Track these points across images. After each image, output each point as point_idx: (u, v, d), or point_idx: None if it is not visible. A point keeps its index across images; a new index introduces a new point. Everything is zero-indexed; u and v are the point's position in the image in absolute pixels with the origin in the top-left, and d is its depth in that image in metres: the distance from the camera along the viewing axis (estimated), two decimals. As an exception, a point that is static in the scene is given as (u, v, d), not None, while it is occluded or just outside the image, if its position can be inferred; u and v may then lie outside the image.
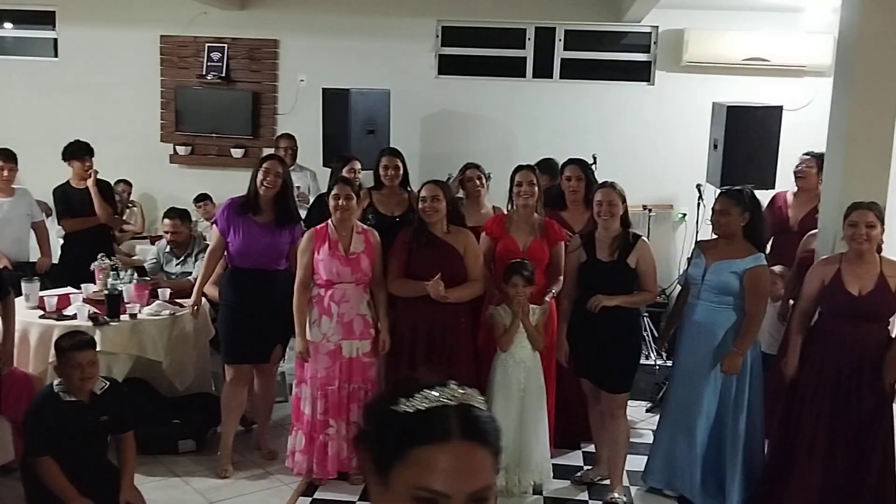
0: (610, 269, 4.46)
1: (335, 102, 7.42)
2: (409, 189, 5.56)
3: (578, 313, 4.56)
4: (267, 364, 4.95)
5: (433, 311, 4.51)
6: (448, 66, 8.43)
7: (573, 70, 8.30)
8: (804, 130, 6.76)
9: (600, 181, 4.79)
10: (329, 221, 4.67)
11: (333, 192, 4.64)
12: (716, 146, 6.47)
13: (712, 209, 4.63)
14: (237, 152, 8.45)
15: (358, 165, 5.81)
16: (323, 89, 7.58)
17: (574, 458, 5.15)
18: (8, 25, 8.98)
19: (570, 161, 5.61)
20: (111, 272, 5.30)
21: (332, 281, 4.56)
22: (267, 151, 8.26)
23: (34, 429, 3.70)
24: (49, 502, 3.60)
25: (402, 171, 5.45)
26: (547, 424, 4.64)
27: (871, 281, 4.12)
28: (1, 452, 4.29)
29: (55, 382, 3.76)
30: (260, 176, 4.74)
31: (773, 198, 6.01)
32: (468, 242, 4.63)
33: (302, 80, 8.40)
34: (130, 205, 7.88)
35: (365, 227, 4.78)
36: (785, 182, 6.19)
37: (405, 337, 4.61)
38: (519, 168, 5.04)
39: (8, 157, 6.08)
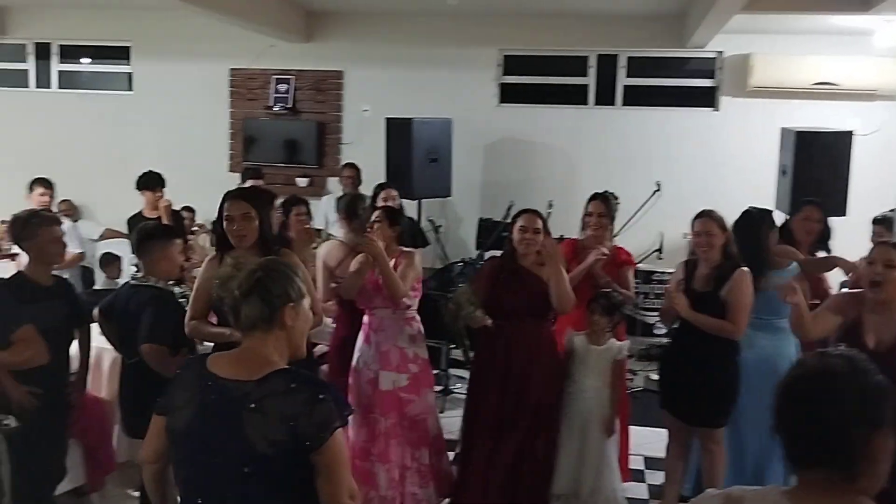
0: (702, 300, 4.21)
1: (398, 132, 7.51)
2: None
3: (675, 345, 4.45)
4: None
5: (512, 339, 4.36)
6: (510, 94, 8.47)
7: (636, 97, 8.26)
8: (875, 155, 6.60)
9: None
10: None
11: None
12: (784, 172, 6.34)
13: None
14: (303, 181, 8.61)
15: (394, 192, 5.81)
16: (386, 119, 7.68)
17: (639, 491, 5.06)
18: (85, 61, 9.36)
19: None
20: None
21: (369, 306, 4.51)
22: (332, 180, 8.45)
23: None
24: None
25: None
26: (615, 457, 4.53)
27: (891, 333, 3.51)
28: (73, 475, 4.39)
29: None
30: (275, 215, 4.51)
31: None
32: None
33: (366, 111, 8.53)
34: (198, 227, 8.04)
35: (404, 250, 4.54)
36: (856, 208, 6.03)
37: (487, 365, 4.46)
38: (593, 197, 4.98)
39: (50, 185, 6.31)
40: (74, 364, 4.14)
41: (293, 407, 2.05)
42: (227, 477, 2.09)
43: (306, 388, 2.09)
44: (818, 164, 6.06)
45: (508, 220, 5.03)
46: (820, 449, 1.62)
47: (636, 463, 5.22)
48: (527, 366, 4.34)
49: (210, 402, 2.13)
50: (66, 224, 6.19)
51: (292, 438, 2.03)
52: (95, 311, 4.23)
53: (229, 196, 3.88)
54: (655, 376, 5.77)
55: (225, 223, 3.78)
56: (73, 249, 6.11)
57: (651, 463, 5.26)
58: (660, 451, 4.80)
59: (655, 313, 7.26)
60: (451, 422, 5.10)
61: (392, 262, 4.36)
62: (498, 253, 4.91)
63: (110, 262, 6.61)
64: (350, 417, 4.43)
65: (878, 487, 1.62)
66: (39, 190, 6.11)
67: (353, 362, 4.57)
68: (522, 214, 4.44)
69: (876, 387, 1.61)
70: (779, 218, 6.36)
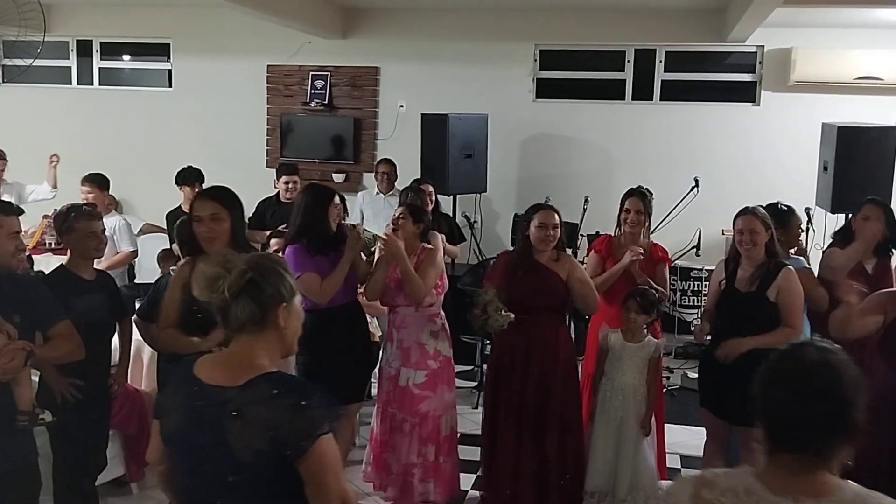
0: (746, 301, 4.13)
1: (434, 127, 7.51)
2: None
3: (716, 344, 4.33)
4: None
5: (529, 336, 4.36)
6: (546, 89, 8.43)
7: (674, 92, 8.17)
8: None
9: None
10: None
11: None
12: (826, 168, 6.23)
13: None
14: (339, 177, 8.66)
15: (430, 188, 5.87)
16: (422, 115, 7.69)
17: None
18: (126, 58, 9.49)
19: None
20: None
21: (392, 304, 4.51)
22: (367, 176, 8.48)
23: None
24: None
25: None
26: (652, 455, 4.49)
27: None
28: (113, 466, 4.46)
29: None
30: (334, 211, 4.33)
31: None
32: (572, 268, 4.39)
33: (402, 106, 8.55)
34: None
35: (426, 246, 4.53)
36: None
37: (504, 361, 4.45)
38: (630, 194, 4.93)
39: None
40: (115, 356, 4.20)
41: (274, 414, 1.94)
42: (214, 485, 2.01)
43: (289, 394, 1.98)
44: (860, 160, 5.95)
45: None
46: (817, 435, 1.66)
47: (672, 461, 5.17)
48: (546, 361, 4.33)
49: (195, 408, 2.05)
50: (120, 221, 6.28)
51: (274, 447, 1.93)
52: (134, 316, 4.27)
53: (198, 195, 3.67)
54: (693, 374, 5.73)
55: (193, 224, 3.53)
56: (126, 248, 6.21)
57: (687, 461, 5.22)
58: (696, 450, 4.77)
59: (692, 310, 7.20)
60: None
61: (415, 260, 4.38)
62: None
63: (168, 257, 6.65)
64: (376, 411, 4.54)
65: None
66: (85, 188, 6.21)
67: (379, 359, 4.62)
68: (539, 211, 4.41)
69: (859, 376, 1.71)
70: (820, 214, 6.30)
